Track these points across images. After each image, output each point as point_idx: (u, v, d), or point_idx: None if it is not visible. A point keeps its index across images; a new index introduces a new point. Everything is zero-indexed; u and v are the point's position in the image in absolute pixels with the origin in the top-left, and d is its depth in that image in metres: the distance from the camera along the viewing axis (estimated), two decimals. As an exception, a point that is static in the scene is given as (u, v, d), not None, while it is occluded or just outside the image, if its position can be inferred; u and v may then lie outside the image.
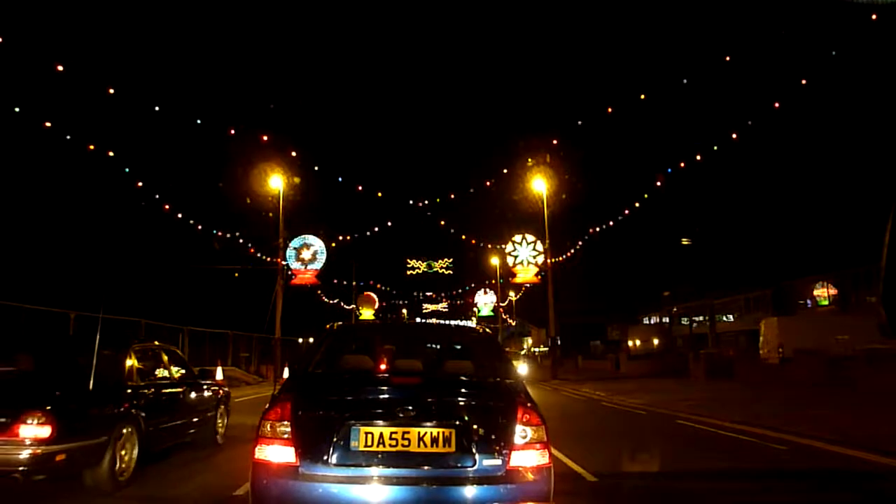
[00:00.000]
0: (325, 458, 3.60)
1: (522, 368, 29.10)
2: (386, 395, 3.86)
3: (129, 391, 6.68)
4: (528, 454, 3.71)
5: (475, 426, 3.70)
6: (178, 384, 7.93)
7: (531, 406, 3.89)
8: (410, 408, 3.72)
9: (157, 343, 8.31)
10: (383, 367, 4.95)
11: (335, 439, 3.62)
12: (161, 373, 7.69)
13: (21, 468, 5.21)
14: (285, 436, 3.65)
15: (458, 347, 5.32)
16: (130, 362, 6.93)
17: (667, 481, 6.96)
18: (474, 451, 3.65)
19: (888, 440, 8.65)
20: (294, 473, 3.60)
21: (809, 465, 8.24)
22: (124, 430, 6.20)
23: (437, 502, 3.60)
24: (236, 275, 35.04)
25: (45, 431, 5.30)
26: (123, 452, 6.14)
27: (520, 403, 3.86)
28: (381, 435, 3.63)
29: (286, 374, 23.91)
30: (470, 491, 3.58)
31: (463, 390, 4.05)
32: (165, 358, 8.00)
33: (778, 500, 6.19)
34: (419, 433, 3.65)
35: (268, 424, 3.71)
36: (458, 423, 3.70)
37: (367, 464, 3.59)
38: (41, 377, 6.36)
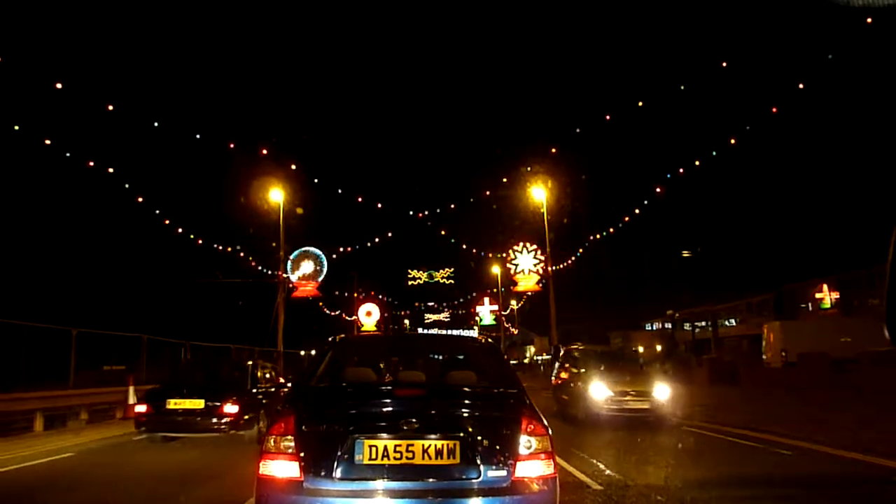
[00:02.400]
0: (330, 472, 3.56)
1: (663, 391, 13.05)
2: (389, 408, 3.82)
3: (257, 389, 11.73)
4: (533, 465, 3.67)
5: (479, 437, 3.66)
6: (276, 386, 12.49)
7: (535, 415, 3.85)
8: (414, 420, 3.67)
9: (262, 361, 13.90)
10: (386, 379, 5.00)
11: (339, 453, 3.58)
12: (266, 378, 12.54)
13: (225, 428, 10.36)
14: (289, 450, 3.62)
15: (461, 358, 5.29)
16: (256, 372, 12.14)
17: (672, 488, 6.92)
18: (479, 462, 3.60)
19: (895, 443, 8.60)
20: (298, 488, 3.56)
21: (815, 469, 8.20)
22: (261, 410, 11.17)
23: None
24: (240, 303, 35.08)
25: (236, 409, 10.46)
26: (262, 423, 10.78)
27: (524, 413, 3.83)
28: (386, 448, 3.60)
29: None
30: (475, 503, 3.55)
31: (466, 401, 4.02)
32: (270, 366, 13.53)
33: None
34: (423, 445, 3.61)
35: (271, 439, 3.68)
36: (462, 434, 3.66)
37: (371, 477, 3.56)
38: (221, 381, 11.58)
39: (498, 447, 3.65)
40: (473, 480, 3.59)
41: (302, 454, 3.60)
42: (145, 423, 10.50)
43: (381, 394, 4.16)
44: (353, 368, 4.74)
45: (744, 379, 26.15)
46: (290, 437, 3.65)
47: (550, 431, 3.83)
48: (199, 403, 10.32)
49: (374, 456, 3.58)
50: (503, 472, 3.60)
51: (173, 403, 10.34)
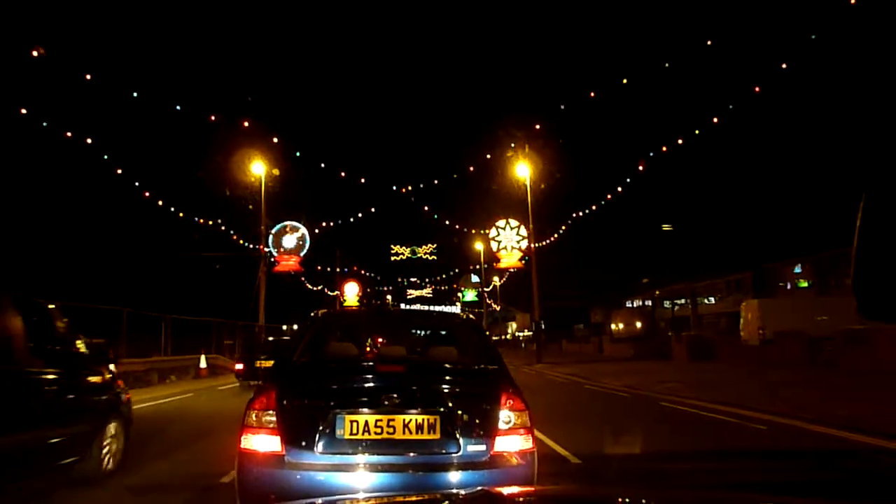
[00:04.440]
0: (311, 446, 3.59)
1: None
2: (370, 383, 3.85)
3: None
4: (511, 439, 3.74)
5: (459, 412, 3.71)
6: None
7: (515, 391, 3.91)
8: (395, 395, 3.72)
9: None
10: (369, 354, 5.08)
11: (321, 428, 3.61)
12: None
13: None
14: (271, 425, 3.65)
15: (443, 333, 5.31)
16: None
17: (650, 462, 7.02)
18: (459, 437, 3.66)
19: (867, 419, 8.78)
20: (280, 462, 3.59)
21: (790, 444, 8.34)
22: None
23: (423, 488, 3.57)
24: (217, 266, 34.70)
25: None
26: None
27: (503, 389, 3.88)
28: (367, 423, 3.64)
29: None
30: (455, 476, 3.59)
31: (447, 377, 4.06)
32: None
33: (759, 479, 6.27)
34: (404, 420, 3.66)
35: (253, 414, 3.69)
36: (442, 409, 3.71)
37: (353, 451, 3.60)
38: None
39: (477, 422, 3.71)
40: (453, 455, 3.65)
41: (283, 429, 3.62)
42: (242, 375, 16.90)
43: (363, 369, 4.19)
44: (336, 343, 4.75)
45: (722, 355, 26.54)
46: (271, 411, 3.67)
47: (529, 407, 3.88)
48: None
49: (354, 431, 3.62)
50: (482, 447, 3.67)
51: (258, 363, 15.93)
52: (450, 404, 3.74)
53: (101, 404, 6.15)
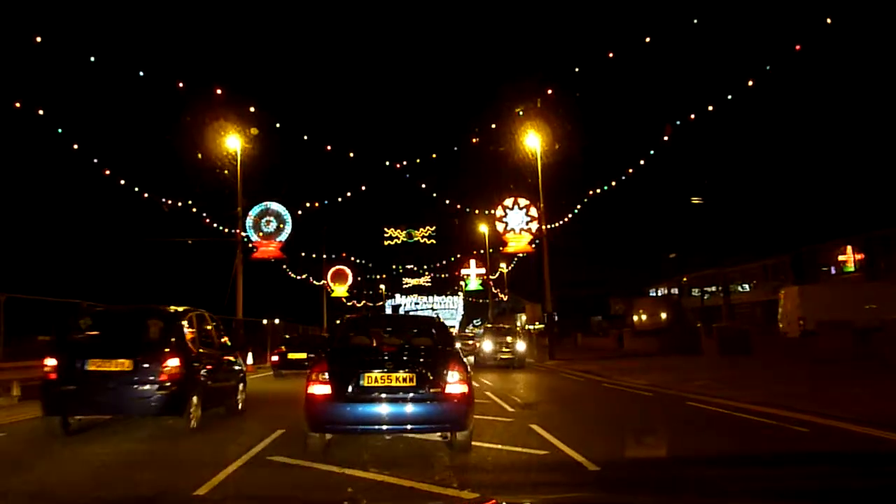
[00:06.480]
0: (346, 390, 7.53)
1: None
2: (378, 357, 7.96)
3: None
4: (456, 387, 7.60)
5: (427, 372, 7.66)
6: None
7: (459, 362, 7.88)
8: (391, 363, 7.73)
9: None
10: (375, 343, 8.88)
11: (351, 381, 7.54)
12: None
13: None
14: (324, 380, 7.56)
15: (424, 328, 9.40)
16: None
17: (676, 468, 7.02)
18: (426, 384, 7.58)
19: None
20: (331, 399, 7.50)
21: (834, 448, 8.35)
22: None
23: (406, 411, 7.52)
24: (189, 241, 34.20)
25: None
26: None
27: (452, 360, 7.85)
28: (376, 377, 7.59)
29: (250, 359, 25.59)
30: (423, 405, 7.57)
31: (421, 354, 8.08)
32: None
33: (799, 486, 6.26)
34: (396, 376, 7.60)
35: (314, 374, 7.68)
36: (417, 370, 7.66)
37: (369, 393, 7.54)
38: (316, 343, 21.35)
39: (437, 379, 7.62)
40: (422, 392, 7.55)
41: (331, 382, 7.54)
42: (277, 366, 22.57)
43: (374, 350, 8.42)
44: (357, 337, 8.94)
45: (757, 349, 26.59)
46: (325, 373, 7.63)
47: (468, 370, 8.00)
48: (304, 356, 21.14)
49: (370, 382, 7.57)
50: (438, 390, 7.58)
51: (291, 355, 22.14)
52: (422, 369, 7.68)
53: (238, 373, 12.13)
